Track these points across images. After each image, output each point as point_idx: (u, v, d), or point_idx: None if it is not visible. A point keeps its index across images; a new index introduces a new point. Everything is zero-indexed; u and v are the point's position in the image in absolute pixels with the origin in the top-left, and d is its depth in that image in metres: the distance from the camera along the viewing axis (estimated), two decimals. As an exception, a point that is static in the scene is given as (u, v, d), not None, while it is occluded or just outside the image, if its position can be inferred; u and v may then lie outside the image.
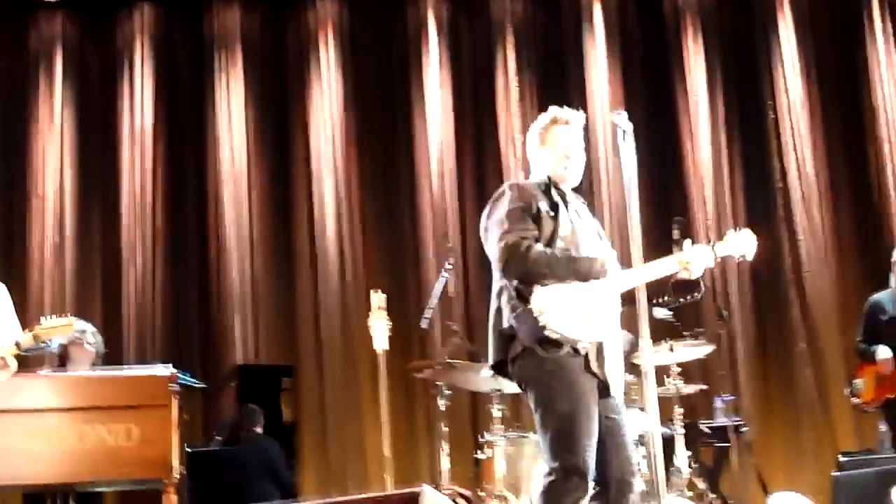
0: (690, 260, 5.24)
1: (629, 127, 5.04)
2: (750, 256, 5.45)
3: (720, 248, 5.39)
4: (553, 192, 5.39)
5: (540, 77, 12.71)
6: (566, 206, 5.36)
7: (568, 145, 5.46)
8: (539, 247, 5.19)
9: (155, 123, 12.41)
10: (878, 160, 12.40)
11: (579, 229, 5.32)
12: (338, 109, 12.49)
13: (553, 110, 5.58)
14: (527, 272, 5.19)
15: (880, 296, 9.18)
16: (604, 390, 5.14)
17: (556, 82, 12.59)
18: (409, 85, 12.66)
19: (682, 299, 5.44)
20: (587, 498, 5.01)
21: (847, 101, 12.73)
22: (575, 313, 5.07)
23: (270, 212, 12.50)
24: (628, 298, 5.21)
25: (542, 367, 5.14)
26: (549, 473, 5.04)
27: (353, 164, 12.49)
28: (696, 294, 5.40)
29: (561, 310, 5.07)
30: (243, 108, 12.52)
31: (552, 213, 5.29)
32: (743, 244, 5.43)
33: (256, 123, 12.63)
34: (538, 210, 5.29)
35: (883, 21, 12.62)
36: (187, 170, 12.57)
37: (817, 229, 12.18)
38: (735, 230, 5.49)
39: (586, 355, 5.10)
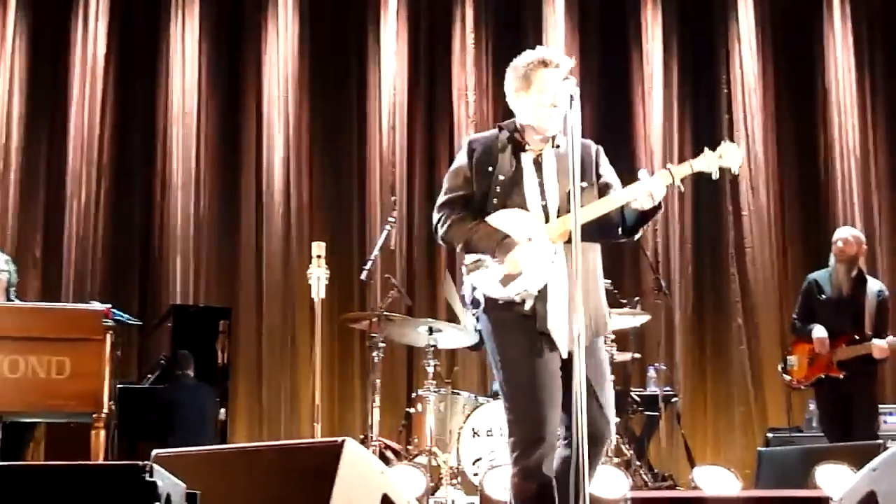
0: (637, 194, 4.95)
1: (577, 92, 4.92)
2: (735, 168, 5.15)
3: (678, 170, 5.07)
4: (510, 145, 5.19)
5: (497, 36, 12.67)
6: (518, 160, 5.15)
7: (556, 91, 5.02)
8: (454, 216, 5.16)
9: (107, 56, 12.21)
10: (826, 142, 12.56)
11: (528, 185, 5.09)
12: (292, 54, 12.38)
13: (541, 51, 5.22)
14: (447, 242, 5.27)
15: (819, 275, 9.26)
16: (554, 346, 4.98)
17: (513, 42, 12.46)
18: (366, 35, 12.57)
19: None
20: (552, 453, 4.92)
21: (801, 81, 12.85)
22: (500, 271, 4.99)
23: (218, 153, 12.38)
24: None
25: (486, 329, 5.13)
26: (508, 435, 5.02)
27: (305, 111, 12.40)
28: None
29: (488, 269, 5.03)
30: (197, 47, 12.35)
31: (490, 169, 5.12)
32: (711, 161, 5.12)
33: (209, 63, 12.47)
34: (481, 167, 5.17)
35: (842, 4, 12.71)
36: (137, 106, 12.41)
37: (762, 206, 12.28)
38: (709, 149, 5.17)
39: (534, 312, 4.96)
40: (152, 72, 12.40)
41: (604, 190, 5.20)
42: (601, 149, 5.32)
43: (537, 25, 12.56)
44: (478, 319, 5.17)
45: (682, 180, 5.08)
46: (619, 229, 5.16)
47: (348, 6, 12.76)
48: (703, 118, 12.71)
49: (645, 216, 5.07)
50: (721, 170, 5.15)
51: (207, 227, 12.17)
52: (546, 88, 5.08)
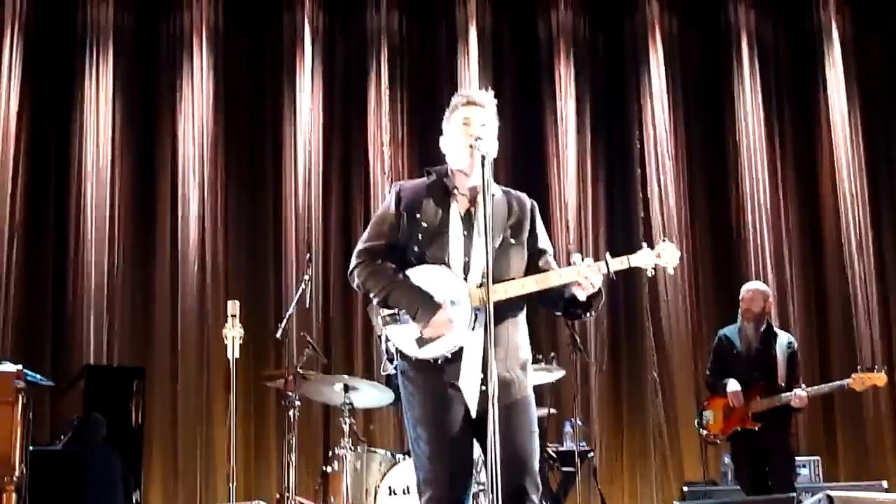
0: (571, 277, 4.86)
1: (490, 153, 4.89)
2: (671, 269, 5.07)
3: (614, 262, 4.91)
4: (439, 191, 5.09)
5: (412, 92, 12.74)
6: (447, 208, 5.02)
7: (476, 127, 4.99)
8: (373, 265, 5.02)
9: (20, 114, 12.10)
10: (737, 196, 12.76)
11: (453, 238, 4.96)
12: (207, 112, 12.33)
13: (468, 90, 5.24)
14: (362, 291, 5.13)
15: (729, 329, 9.37)
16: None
17: (427, 98, 12.59)
18: (281, 91, 12.56)
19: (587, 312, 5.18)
20: None
21: (711, 136, 13.05)
22: (416, 329, 4.87)
23: (133, 211, 12.26)
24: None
25: (401, 383, 5.02)
26: (418, 494, 4.94)
27: (220, 168, 12.34)
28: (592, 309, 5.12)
29: (405, 325, 4.91)
30: (111, 105, 12.27)
31: (417, 216, 4.99)
32: (648, 258, 5.02)
33: (124, 121, 12.38)
34: (408, 214, 5.04)
35: (750, 59, 12.94)
36: (51, 164, 12.27)
37: (675, 260, 12.36)
38: (647, 246, 5.06)
39: (443, 367, 4.85)
40: (66, 129, 12.27)
41: (537, 255, 5.13)
42: (535, 206, 5.26)
43: (451, 80, 12.60)
44: (395, 370, 5.08)
45: (616, 272, 4.95)
46: (559, 305, 5.08)
47: (263, 63, 12.74)
48: (617, 172, 12.85)
49: (587, 304, 4.97)
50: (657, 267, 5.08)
51: (121, 285, 12.03)
52: (468, 124, 5.05)
